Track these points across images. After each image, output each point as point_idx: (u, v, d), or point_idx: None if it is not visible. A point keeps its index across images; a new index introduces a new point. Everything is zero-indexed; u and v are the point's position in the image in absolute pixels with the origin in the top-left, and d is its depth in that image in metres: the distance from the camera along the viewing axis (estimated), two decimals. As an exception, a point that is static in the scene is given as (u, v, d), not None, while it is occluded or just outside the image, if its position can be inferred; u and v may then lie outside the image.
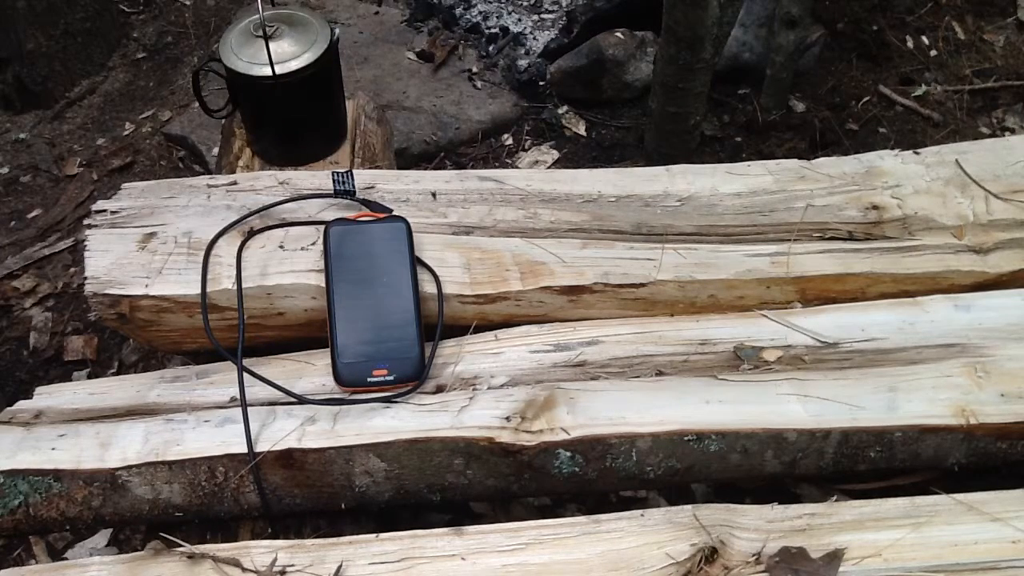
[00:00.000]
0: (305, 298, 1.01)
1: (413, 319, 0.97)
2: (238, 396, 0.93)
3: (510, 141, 1.82)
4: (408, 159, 1.75)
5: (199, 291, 0.99)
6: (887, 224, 1.10)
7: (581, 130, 1.82)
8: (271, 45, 1.14)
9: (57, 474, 0.90)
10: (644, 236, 1.08)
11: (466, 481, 0.93)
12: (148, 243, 1.03)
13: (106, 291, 0.99)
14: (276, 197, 1.09)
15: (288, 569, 0.83)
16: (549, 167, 1.74)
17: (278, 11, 1.22)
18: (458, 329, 1.02)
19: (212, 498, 0.91)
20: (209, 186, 1.11)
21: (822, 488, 1.06)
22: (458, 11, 2.04)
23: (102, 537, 1.20)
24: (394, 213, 1.05)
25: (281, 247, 1.03)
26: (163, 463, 0.90)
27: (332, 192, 1.08)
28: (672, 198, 1.13)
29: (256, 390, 0.95)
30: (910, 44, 1.90)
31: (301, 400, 0.94)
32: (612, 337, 1.01)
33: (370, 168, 1.26)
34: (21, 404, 0.99)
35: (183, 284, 1.00)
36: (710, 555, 0.82)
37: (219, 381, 0.99)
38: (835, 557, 0.82)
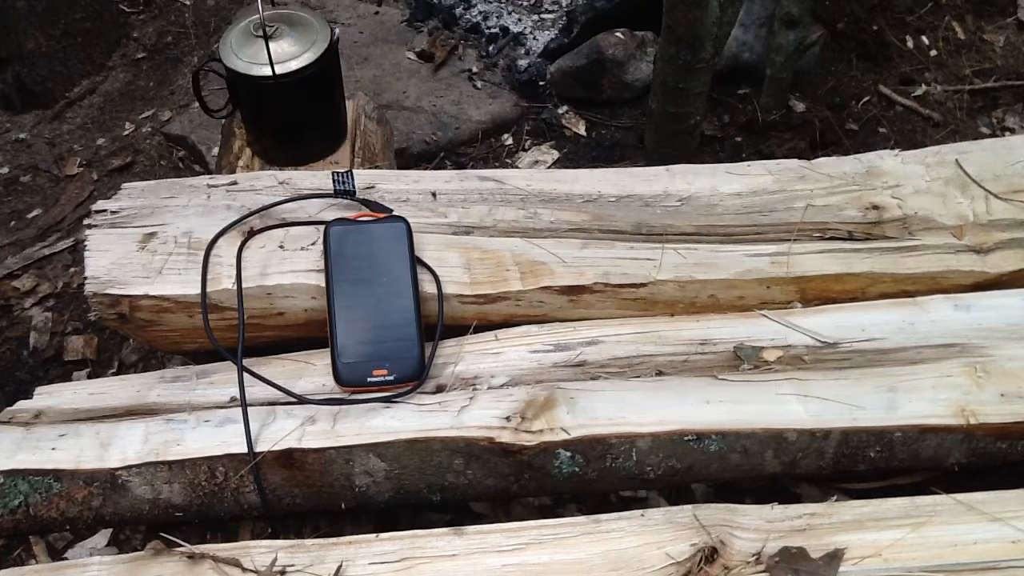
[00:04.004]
0: (305, 298, 1.01)
1: (413, 319, 0.97)
2: (238, 396, 0.93)
3: (510, 141, 1.82)
4: (408, 159, 1.74)
5: (199, 291, 0.99)
6: (887, 224, 1.10)
7: (581, 130, 1.82)
8: (271, 45, 1.14)
9: (57, 474, 0.90)
10: (644, 236, 1.08)
11: (466, 481, 0.93)
12: (148, 243, 1.03)
13: (106, 291, 0.99)
14: (276, 197, 1.09)
15: (288, 569, 0.83)
16: (549, 167, 1.74)
17: (278, 11, 1.22)
18: (458, 329, 1.02)
19: (212, 498, 0.91)
20: (209, 186, 1.11)
21: (822, 488, 1.06)
22: (458, 11, 2.04)
23: (102, 537, 1.20)
24: (394, 213, 1.05)
25: (281, 247, 1.03)
26: (163, 463, 0.90)
27: (332, 192, 1.08)
28: (672, 198, 1.13)
29: (256, 390, 0.95)
30: (910, 44, 1.90)
31: (301, 400, 0.94)
32: (612, 337, 1.01)
33: (370, 168, 1.26)
34: (21, 404, 0.99)
35: (183, 284, 1.00)
36: (710, 555, 0.82)
37: (219, 381, 0.99)
38: (835, 557, 0.82)
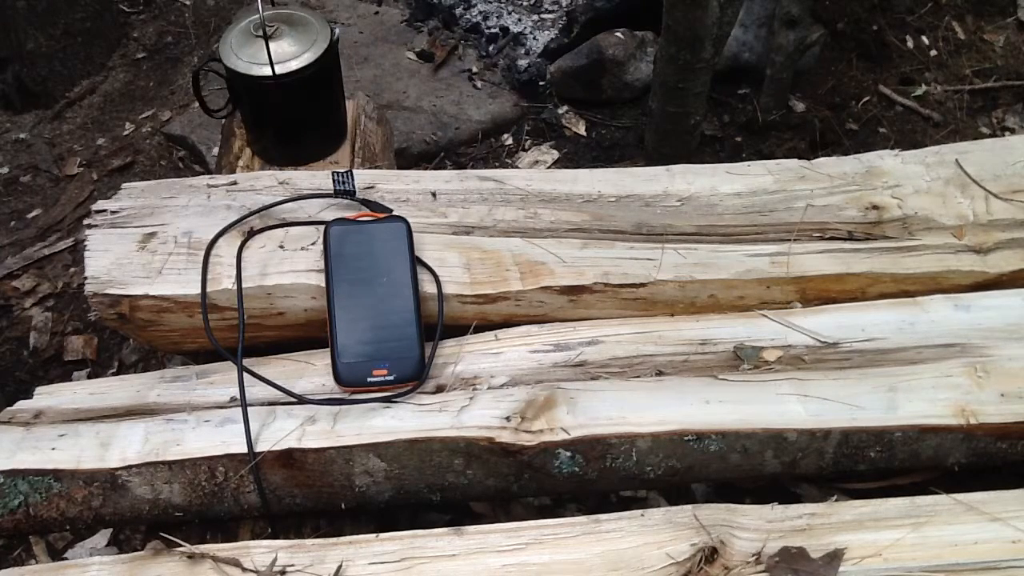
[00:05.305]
0: (305, 298, 1.01)
1: (413, 319, 0.97)
2: (238, 396, 0.93)
3: (510, 141, 1.82)
4: (408, 159, 1.75)
5: (199, 291, 0.99)
6: (887, 224, 1.10)
7: (581, 130, 1.82)
8: (271, 45, 1.14)
9: (57, 474, 0.90)
10: (644, 236, 1.08)
11: (466, 481, 0.93)
12: (148, 243, 1.03)
13: (106, 291, 0.99)
14: (276, 197, 1.09)
15: (288, 569, 0.83)
16: (549, 167, 1.74)
17: (278, 11, 1.22)
18: (458, 329, 1.02)
19: (212, 498, 0.91)
20: (209, 186, 1.11)
21: (822, 488, 1.06)
22: (458, 11, 2.04)
23: (102, 537, 1.20)
24: (394, 213, 1.06)
25: (281, 247, 1.03)
26: (163, 463, 0.90)
27: (332, 192, 1.08)
28: (672, 198, 1.13)
29: (256, 390, 0.95)
30: (910, 44, 1.90)
31: (301, 400, 0.94)
32: (612, 337, 1.01)
33: (370, 168, 1.26)
34: (21, 404, 0.99)
35: (183, 284, 1.00)
36: (710, 555, 0.82)
37: (219, 381, 0.99)
38: (835, 557, 0.82)
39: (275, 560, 0.83)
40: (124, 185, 1.11)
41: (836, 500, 0.91)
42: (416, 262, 1.01)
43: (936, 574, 0.81)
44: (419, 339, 0.96)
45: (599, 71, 1.81)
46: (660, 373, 0.97)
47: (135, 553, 0.87)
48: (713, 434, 0.91)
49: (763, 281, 1.05)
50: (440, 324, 1.00)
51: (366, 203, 1.07)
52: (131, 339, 1.43)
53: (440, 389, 0.96)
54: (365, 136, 1.32)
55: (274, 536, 0.94)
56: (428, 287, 1.01)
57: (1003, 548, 0.83)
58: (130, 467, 0.90)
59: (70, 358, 1.48)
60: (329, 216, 1.04)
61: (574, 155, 1.77)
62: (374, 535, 0.86)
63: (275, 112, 1.22)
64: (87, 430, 0.93)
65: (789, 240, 1.08)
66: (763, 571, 0.81)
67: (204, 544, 0.86)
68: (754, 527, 0.85)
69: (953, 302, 1.04)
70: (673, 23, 1.40)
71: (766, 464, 0.94)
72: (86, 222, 1.07)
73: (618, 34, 1.81)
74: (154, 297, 1.00)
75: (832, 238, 1.09)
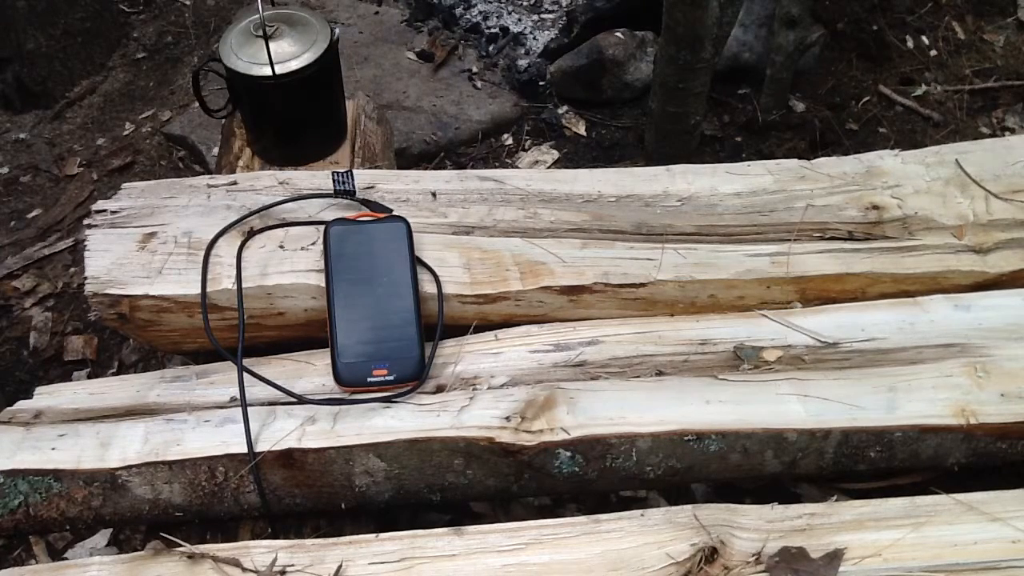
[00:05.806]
0: (305, 298, 1.01)
1: (413, 319, 0.97)
2: (238, 396, 0.93)
3: (510, 141, 1.82)
4: (408, 159, 1.75)
5: (199, 291, 0.99)
6: (887, 224, 1.10)
7: (581, 130, 1.82)
8: (271, 45, 1.14)
9: (57, 474, 0.90)
10: (644, 236, 1.08)
11: (466, 481, 0.93)
12: (148, 243, 1.03)
13: (106, 291, 0.99)
14: (276, 197, 1.09)
15: (288, 569, 0.83)
16: (549, 167, 1.74)
17: (278, 11, 1.22)
18: (458, 329, 1.02)
19: (212, 498, 0.91)
20: (209, 186, 1.11)
21: (822, 488, 1.06)
22: (458, 11, 2.04)
23: (102, 537, 1.20)
24: (394, 213, 1.06)
25: (281, 247, 1.03)
26: (163, 463, 0.90)
27: (332, 192, 1.08)
28: (672, 198, 1.13)
29: (256, 390, 0.95)
30: (910, 44, 1.90)
31: (301, 400, 0.94)
32: (612, 337, 1.01)
33: (370, 168, 1.26)
34: (21, 404, 0.99)
35: (183, 284, 1.00)
36: (710, 555, 0.82)
37: (219, 381, 0.99)
38: (835, 557, 0.82)
39: (275, 560, 0.83)
40: (124, 185, 1.11)
41: (836, 500, 0.91)
42: (416, 262, 1.01)
43: (936, 574, 0.81)
44: (419, 339, 0.96)
45: (599, 71, 1.81)
46: (660, 373, 0.97)
47: (135, 553, 0.87)
48: (713, 434, 0.91)
49: (763, 281, 1.05)
50: (440, 324, 1.00)
51: (366, 203, 1.07)
52: (131, 339, 1.43)
53: (440, 389, 0.96)
54: (365, 136, 1.32)
55: (274, 536, 0.94)
56: (428, 287, 1.01)
57: (1003, 548, 0.83)
58: (130, 467, 0.90)
59: (70, 358, 1.48)
60: (329, 216, 1.04)
61: (574, 155, 1.77)
62: (374, 535, 0.86)
63: (275, 112, 1.22)
64: (87, 430, 0.93)
65: (789, 240, 1.08)
66: (763, 571, 0.81)
67: (204, 544, 0.86)
68: (754, 527, 0.85)
69: (953, 302, 1.04)
70: (673, 23, 1.40)
71: (766, 464, 0.94)
72: (86, 222, 1.07)
73: (618, 34, 1.81)
74: (154, 297, 1.00)
75: (832, 238, 1.09)
